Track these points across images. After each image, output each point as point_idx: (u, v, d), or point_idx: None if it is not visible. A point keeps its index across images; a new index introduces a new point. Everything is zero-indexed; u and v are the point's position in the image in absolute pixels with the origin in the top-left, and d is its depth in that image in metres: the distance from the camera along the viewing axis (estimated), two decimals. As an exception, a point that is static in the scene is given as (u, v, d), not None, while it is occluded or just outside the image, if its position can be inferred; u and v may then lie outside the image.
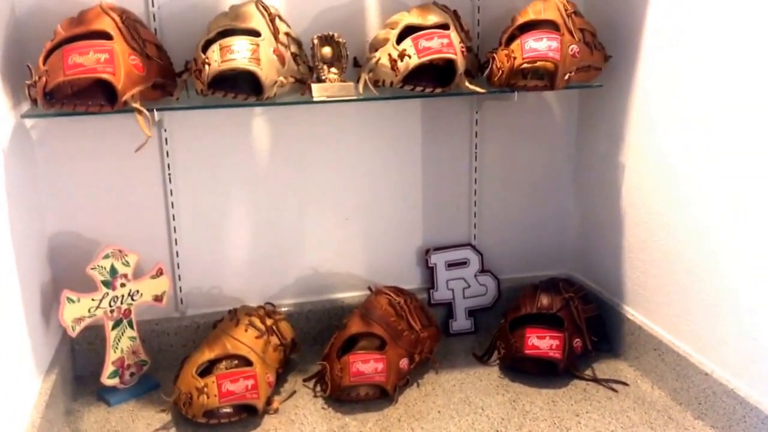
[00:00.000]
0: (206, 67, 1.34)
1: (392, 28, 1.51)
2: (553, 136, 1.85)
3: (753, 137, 1.27)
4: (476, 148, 1.80)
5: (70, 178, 1.57)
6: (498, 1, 1.70)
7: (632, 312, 1.67)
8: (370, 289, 1.71)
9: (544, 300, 1.69)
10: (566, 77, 1.51)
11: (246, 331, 1.53)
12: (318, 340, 1.73)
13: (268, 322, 1.58)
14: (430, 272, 1.83)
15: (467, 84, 1.52)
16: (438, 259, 1.82)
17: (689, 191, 1.45)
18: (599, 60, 1.60)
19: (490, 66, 1.55)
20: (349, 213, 1.77)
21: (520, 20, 1.55)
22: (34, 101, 1.29)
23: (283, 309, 1.71)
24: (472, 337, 1.83)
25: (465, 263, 1.84)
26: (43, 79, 1.27)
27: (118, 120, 1.45)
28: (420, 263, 1.84)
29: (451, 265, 1.83)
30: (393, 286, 1.72)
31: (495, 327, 1.75)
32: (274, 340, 1.57)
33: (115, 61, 1.29)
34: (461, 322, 1.84)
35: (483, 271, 1.85)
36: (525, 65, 1.49)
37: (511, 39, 1.54)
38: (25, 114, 1.38)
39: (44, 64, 1.28)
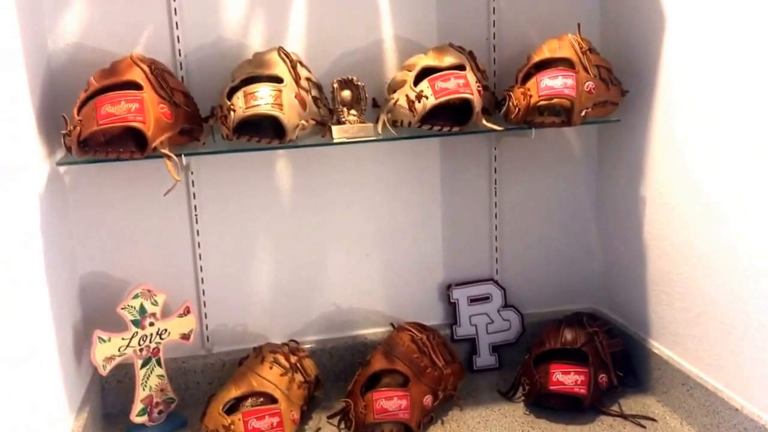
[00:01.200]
0: (231, 113, 1.39)
1: (409, 70, 1.56)
2: (573, 170, 1.87)
3: (769, 170, 1.28)
4: (496, 184, 1.82)
5: (101, 221, 1.63)
6: (513, 40, 1.74)
7: (658, 346, 1.67)
8: (392, 325, 1.73)
9: (568, 335, 1.69)
10: (583, 113, 1.53)
11: (271, 368, 1.56)
12: (341, 377, 1.74)
13: (293, 359, 1.60)
14: (452, 308, 1.84)
15: (484, 122, 1.55)
16: (460, 295, 1.84)
17: (711, 223, 1.45)
18: (616, 95, 1.63)
19: (506, 104, 1.58)
20: (371, 250, 1.79)
21: (536, 58, 1.58)
22: (68, 149, 1.35)
23: (306, 346, 1.74)
24: (497, 373, 1.83)
25: (488, 298, 1.85)
26: (78, 128, 1.33)
27: (147, 165, 1.50)
28: (442, 299, 1.86)
29: (473, 301, 1.84)
30: (415, 322, 1.73)
31: (519, 363, 1.74)
32: (299, 377, 1.59)
33: (145, 110, 1.35)
34: (485, 358, 1.85)
35: (506, 306, 1.86)
36: (541, 102, 1.52)
37: (527, 77, 1.57)
38: (60, 161, 1.44)
39: (78, 114, 1.34)
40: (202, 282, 1.70)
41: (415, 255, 1.82)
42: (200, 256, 1.69)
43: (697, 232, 1.50)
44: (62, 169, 1.55)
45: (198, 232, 1.67)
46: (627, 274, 1.78)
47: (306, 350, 1.69)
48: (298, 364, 1.61)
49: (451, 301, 1.84)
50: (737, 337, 1.41)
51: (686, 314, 1.56)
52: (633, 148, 1.69)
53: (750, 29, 1.30)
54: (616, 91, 1.63)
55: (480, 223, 1.85)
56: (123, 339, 1.54)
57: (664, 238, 1.61)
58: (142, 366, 1.57)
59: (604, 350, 1.67)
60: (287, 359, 1.60)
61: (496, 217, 1.85)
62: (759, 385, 1.36)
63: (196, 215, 1.67)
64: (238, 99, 1.40)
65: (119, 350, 1.53)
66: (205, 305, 1.72)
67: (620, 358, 1.71)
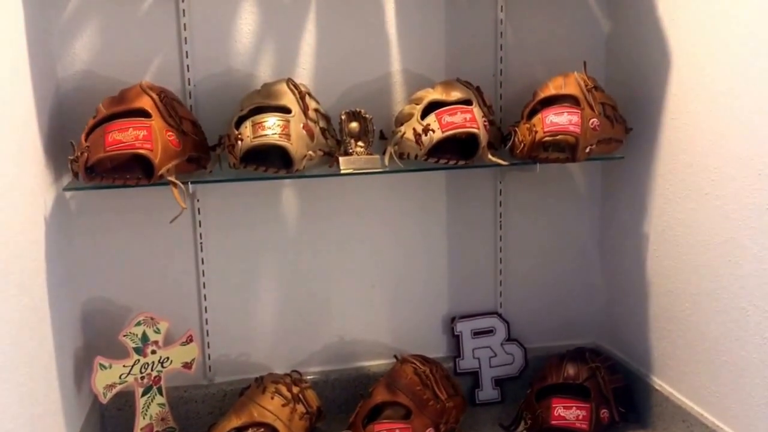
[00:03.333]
0: (239, 142, 1.40)
1: (417, 104, 1.57)
2: (577, 205, 1.88)
3: (773, 209, 1.29)
4: (501, 218, 1.83)
5: (106, 247, 1.63)
6: (519, 76, 1.76)
7: (660, 382, 1.66)
8: (395, 357, 1.72)
9: (570, 370, 1.68)
10: (587, 150, 1.54)
11: (272, 398, 1.55)
12: (343, 409, 1.73)
13: (295, 390, 1.60)
14: (455, 341, 1.84)
15: (490, 156, 1.56)
16: (464, 328, 1.83)
17: (714, 261, 1.46)
18: (620, 132, 1.64)
19: (512, 139, 1.60)
20: (375, 281, 1.79)
21: (542, 95, 1.60)
22: (75, 175, 1.35)
23: (309, 377, 1.73)
24: (499, 407, 1.81)
25: (491, 332, 1.85)
26: (85, 154, 1.34)
27: (153, 192, 1.51)
28: (446, 331, 1.86)
29: (477, 334, 1.84)
30: (419, 354, 1.72)
31: (522, 397, 1.74)
32: (300, 408, 1.58)
33: (152, 138, 1.36)
34: (487, 391, 1.84)
35: (509, 339, 1.85)
36: (546, 138, 1.53)
37: (533, 113, 1.59)
38: (66, 187, 1.45)
39: (86, 140, 1.35)
40: (206, 311, 1.70)
41: (420, 287, 1.83)
42: (204, 284, 1.69)
43: (700, 270, 1.50)
44: (68, 194, 1.55)
45: (203, 260, 1.68)
46: (630, 310, 1.77)
47: (308, 381, 1.69)
48: (300, 395, 1.60)
49: (455, 333, 1.83)
50: (738, 375, 1.40)
51: (688, 351, 1.55)
52: (637, 185, 1.70)
53: (754, 69, 1.32)
54: (621, 128, 1.65)
55: (485, 256, 1.85)
56: (124, 366, 1.53)
57: (668, 275, 1.61)
58: (143, 394, 1.57)
59: (606, 386, 1.66)
60: (289, 390, 1.59)
61: (500, 250, 1.85)
62: (760, 424, 1.35)
63: (201, 243, 1.67)
64: (246, 128, 1.41)
65: (120, 377, 1.53)
66: (208, 334, 1.71)
67: (622, 393, 1.70)
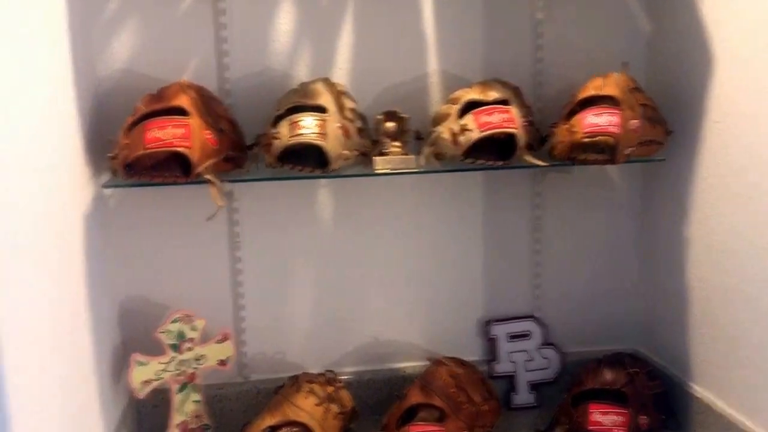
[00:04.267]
0: (276, 141, 1.41)
1: (454, 104, 1.56)
2: (617, 208, 1.84)
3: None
4: (538, 220, 1.81)
5: (144, 244, 1.65)
6: (558, 77, 1.74)
7: (701, 390, 1.62)
8: (430, 359, 1.71)
9: (608, 375, 1.65)
10: (627, 152, 1.51)
11: (307, 398, 1.55)
12: (377, 410, 1.72)
13: (329, 389, 1.60)
14: (491, 344, 1.82)
15: (528, 157, 1.54)
16: (499, 331, 1.82)
17: (758, 266, 1.42)
18: (661, 134, 1.61)
19: (550, 140, 1.58)
20: (411, 282, 1.79)
21: (581, 96, 1.57)
22: (114, 172, 1.37)
23: (343, 377, 1.72)
24: (535, 412, 1.79)
25: (527, 335, 1.83)
26: (125, 152, 1.35)
27: (190, 190, 1.52)
28: (481, 334, 1.84)
29: (513, 337, 1.82)
30: (453, 357, 1.71)
31: (558, 401, 1.71)
32: (334, 408, 1.57)
33: (191, 136, 1.37)
34: (523, 395, 1.82)
35: (546, 343, 1.83)
36: (585, 139, 1.51)
37: (572, 114, 1.56)
38: (105, 184, 1.47)
39: (125, 138, 1.37)
40: (242, 309, 1.71)
41: (455, 289, 1.81)
42: (240, 282, 1.69)
43: (743, 275, 1.46)
44: (107, 191, 1.57)
45: (239, 258, 1.69)
46: (670, 315, 1.74)
47: (343, 381, 1.68)
48: (334, 395, 1.60)
49: (490, 337, 1.81)
50: (786, 384, 1.37)
51: (730, 358, 1.52)
52: (678, 188, 1.67)
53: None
54: (662, 130, 1.61)
55: (521, 258, 1.83)
56: (160, 363, 1.55)
57: (709, 279, 1.58)
58: (179, 391, 1.58)
59: (645, 392, 1.63)
60: (323, 389, 1.59)
61: (537, 253, 1.83)
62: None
63: (237, 242, 1.68)
64: (283, 128, 1.42)
65: (156, 374, 1.54)
66: (243, 332, 1.72)
67: (661, 400, 1.67)
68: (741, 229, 1.46)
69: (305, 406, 1.53)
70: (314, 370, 1.72)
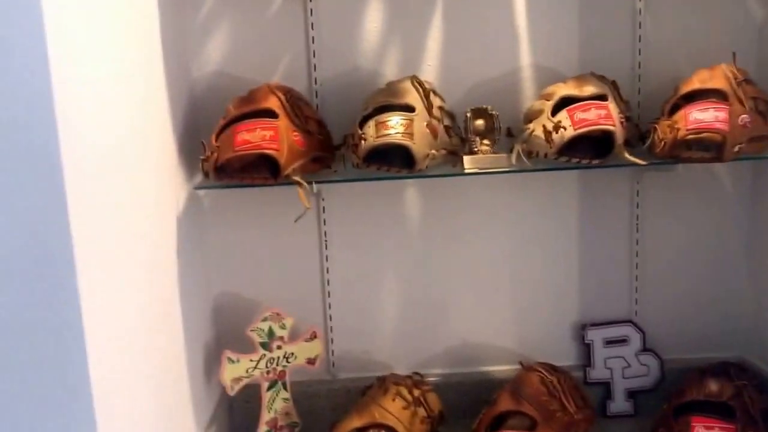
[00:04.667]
0: (362, 142, 1.40)
1: (547, 99, 1.50)
2: (724, 209, 1.73)
3: None
4: (638, 220, 1.72)
5: (236, 243, 1.67)
6: (660, 69, 1.64)
7: (817, 405, 1.51)
8: (521, 364, 1.66)
9: (713, 386, 1.56)
10: (736, 149, 1.42)
11: (394, 400, 1.54)
12: (466, 414, 1.68)
13: (416, 392, 1.58)
14: (586, 349, 1.75)
15: (626, 155, 1.47)
16: (595, 336, 1.74)
17: None
18: (774, 130, 1.50)
19: (651, 137, 1.50)
20: (502, 284, 1.74)
21: (685, 89, 1.49)
22: (206, 174, 1.39)
23: (431, 379, 1.70)
24: (632, 421, 1.71)
25: (625, 341, 1.74)
26: (215, 154, 1.37)
27: (281, 191, 1.53)
28: (575, 339, 1.77)
29: (609, 343, 1.74)
30: (546, 362, 1.66)
31: (657, 411, 1.63)
32: (421, 411, 1.56)
33: (279, 138, 1.38)
34: (620, 404, 1.74)
35: (645, 350, 1.74)
36: (689, 136, 1.42)
37: (675, 109, 1.48)
38: (197, 186, 1.50)
39: (216, 140, 1.39)
40: (330, 307, 1.71)
41: (549, 291, 1.75)
42: (328, 281, 1.70)
43: None
44: (201, 192, 1.61)
45: (327, 257, 1.69)
46: (783, 324, 1.62)
47: (430, 384, 1.66)
48: (422, 398, 1.58)
49: (586, 341, 1.75)
50: None
51: None
52: (794, 186, 1.55)
53: None
54: (775, 125, 1.50)
55: (619, 261, 1.75)
56: (251, 361, 1.57)
57: (829, 286, 1.46)
58: (269, 388, 1.60)
59: (754, 406, 1.53)
60: (410, 392, 1.57)
61: (637, 255, 1.74)
62: None
63: (326, 241, 1.68)
64: (370, 128, 1.41)
65: (247, 371, 1.56)
66: (331, 331, 1.72)
67: (772, 416, 1.56)
68: None
69: (393, 409, 1.52)
70: (402, 371, 1.70)
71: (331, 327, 1.72)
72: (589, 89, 1.49)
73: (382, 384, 1.60)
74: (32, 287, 0.88)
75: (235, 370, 1.55)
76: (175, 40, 1.48)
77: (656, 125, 1.49)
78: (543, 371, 1.60)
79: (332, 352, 1.74)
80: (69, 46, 0.92)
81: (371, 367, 1.74)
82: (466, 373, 1.75)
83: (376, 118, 1.42)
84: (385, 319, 1.74)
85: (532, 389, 1.55)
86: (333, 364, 1.74)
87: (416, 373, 1.68)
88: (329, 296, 1.71)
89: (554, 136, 1.44)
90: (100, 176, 1.00)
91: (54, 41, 0.86)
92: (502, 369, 1.75)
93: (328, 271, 1.70)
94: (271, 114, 1.41)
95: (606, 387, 1.74)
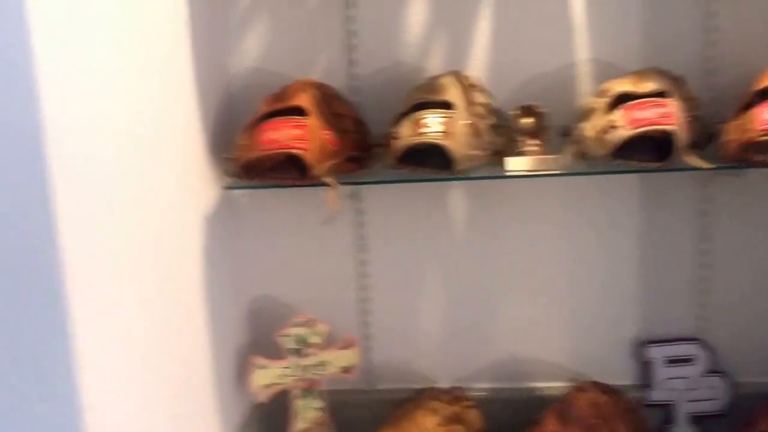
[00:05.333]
0: (397, 141, 1.32)
1: (602, 96, 1.38)
2: (806, 217, 1.57)
3: None
4: (706, 228, 1.58)
5: (270, 245, 1.62)
6: (734, 63, 1.49)
7: None
8: (572, 381, 1.54)
9: (789, 416, 1.41)
10: (816, 153, 1.26)
11: (426, 416, 1.45)
12: (511, 431, 1.59)
13: (456, 409, 1.49)
14: (645, 368, 1.61)
15: (689, 158, 1.33)
16: (656, 354, 1.61)
17: None
18: None
19: (720, 137, 1.35)
20: (553, 294, 1.63)
21: (760, 86, 1.33)
22: (231, 173, 1.35)
23: (475, 394, 1.60)
24: (695, 449, 1.58)
25: (690, 360, 1.60)
26: (242, 153, 1.32)
27: (315, 192, 1.47)
28: (634, 356, 1.64)
29: (672, 362, 1.60)
30: (597, 381, 1.53)
31: (725, 439, 1.49)
32: (460, 429, 1.47)
33: (308, 137, 1.31)
34: (682, 428, 1.60)
35: (712, 371, 1.60)
36: (762, 138, 1.27)
37: (748, 107, 1.33)
38: (225, 185, 1.45)
39: (244, 138, 1.34)
40: (368, 314, 1.64)
41: (605, 304, 1.63)
42: (367, 287, 1.63)
43: None
44: (236, 192, 1.56)
45: (365, 262, 1.62)
46: None
47: (473, 399, 1.56)
48: (461, 415, 1.49)
49: (645, 360, 1.61)
50: None
51: None
52: None
53: None
54: None
55: (684, 273, 1.61)
56: (283, 368, 1.52)
57: None
58: (301, 397, 1.54)
59: (840, 440, 1.37)
60: (449, 408, 1.48)
61: (705, 266, 1.59)
62: None
63: (364, 244, 1.61)
64: (406, 126, 1.32)
65: (278, 378, 1.51)
66: (369, 339, 1.65)
67: None
68: None
69: (427, 426, 1.44)
70: (444, 383, 1.62)
71: (370, 334, 1.65)
72: (649, 85, 1.36)
73: (419, 398, 1.52)
74: (16, 290, 0.85)
75: (265, 377, 1.50)
76: (210, 36, 1.44)
77: (725, 125, 1.35)
78: (593, 392, 1.48)
79: (370, 361, 1.66)
80: (68, 42, 0.88)
81: (412, 378, 1.65)
82: (513, 389, 1.65)
83: (413, 116, 1.33)
84: (427, 329, 1.65)
85: (580, 411, 1.43)
86: (371, 373, 1.67)
87: (457, 387, 1.58)
88: (368, 302, 1.64)
89: (609, 136, 1.32)
90: (99, 176, 0.96)
91: (42, 34, 0.82)
92: (552, 386, 1.64)
93: (366, 276, 1.63)
94: (301, 111, 1.34)
95: (667, 410, 1.61)
